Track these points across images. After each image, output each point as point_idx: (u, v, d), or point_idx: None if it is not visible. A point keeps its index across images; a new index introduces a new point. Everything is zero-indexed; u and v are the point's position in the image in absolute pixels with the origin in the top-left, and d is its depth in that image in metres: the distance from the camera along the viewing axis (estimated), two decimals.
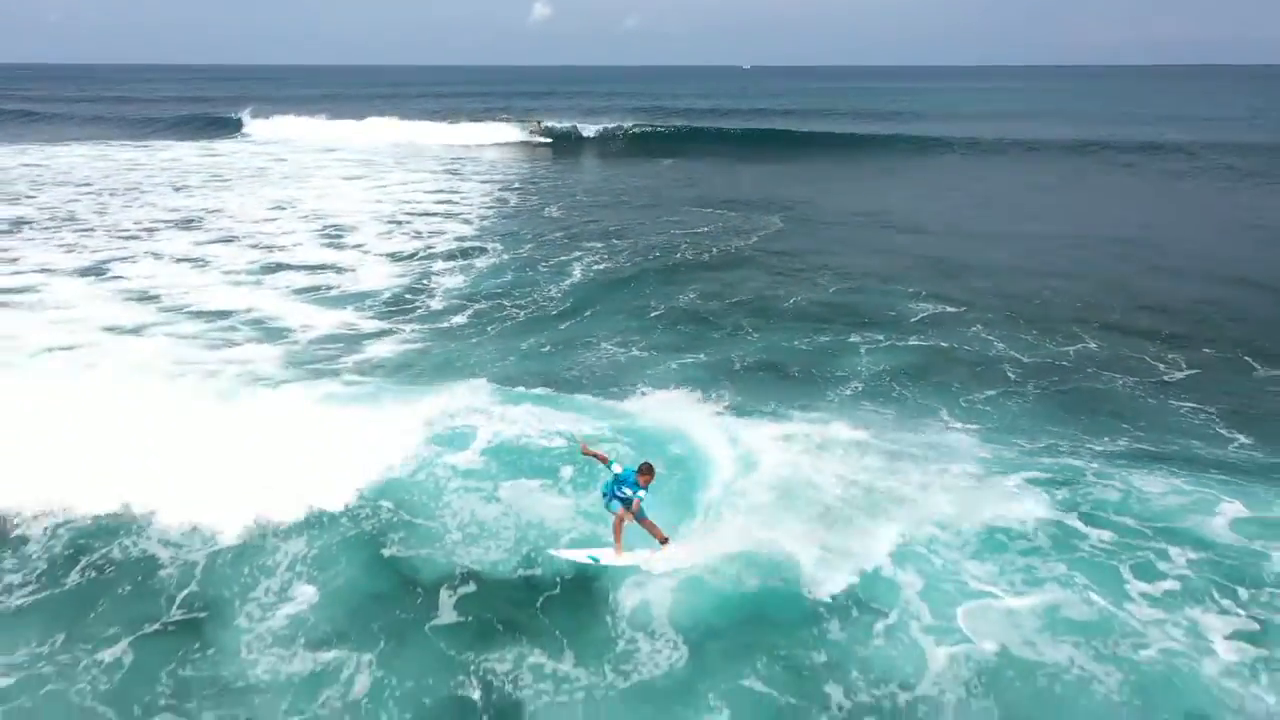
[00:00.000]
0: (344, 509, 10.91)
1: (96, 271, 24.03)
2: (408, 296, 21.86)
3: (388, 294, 22.07)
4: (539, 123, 61.49)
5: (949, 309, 20.14)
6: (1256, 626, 8.67)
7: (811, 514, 10.35)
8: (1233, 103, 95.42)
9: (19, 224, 30.66)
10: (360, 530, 10.62)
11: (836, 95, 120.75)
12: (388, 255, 26.33)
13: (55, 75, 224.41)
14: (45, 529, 10.71)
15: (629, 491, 9.47)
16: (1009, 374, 16.03)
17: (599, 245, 27.57)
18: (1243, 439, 13.17)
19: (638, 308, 20.60)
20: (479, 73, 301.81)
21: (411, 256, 26.18)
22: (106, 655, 8.69)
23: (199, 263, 25.31)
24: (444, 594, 9.53)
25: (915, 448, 12.37)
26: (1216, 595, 9.08)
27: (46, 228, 30.21)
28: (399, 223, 31.62)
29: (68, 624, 9.14)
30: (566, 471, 11.66)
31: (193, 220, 31.91)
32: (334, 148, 59.67)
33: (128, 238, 28.59)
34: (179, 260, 25.54)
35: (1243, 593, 9.13)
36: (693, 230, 30.17)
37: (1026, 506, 10.49)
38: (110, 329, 18.81)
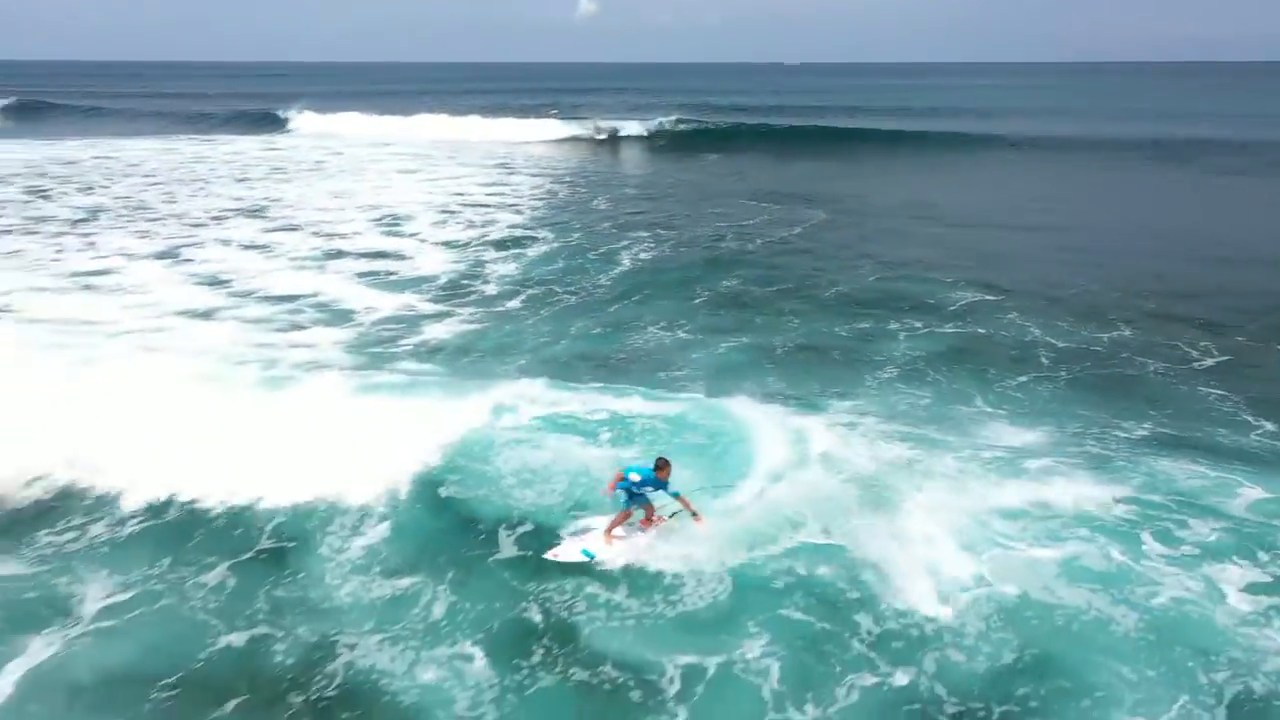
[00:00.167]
0: (410, 464, 11.75)
1: (170, 255, 25.47)
2: (464, 282, 22.83)
3: (444, 279, 23.06)
4: (596, 126, 63.48)
5: (988, 297, 20.59)
6: (1269, 579, 9.15)
7: (850, 487, 10.96)
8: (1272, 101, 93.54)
9: (95, 212, 32.42)
10: (423, 480, 11.50)
11: (876, 92, 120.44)
12: (443, 243, 27.38)
13: (94, 72, 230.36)
14: (145, 478, 11.74)
15: (650, 490, 9.72)
16: (1043, 359, 16.47)
17: (646, 235, 28.39)
18: (1268, 425, 13.44)
19: (684, 294, 21.36)
20: (522, 70, 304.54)
21: (466, 245, 27.22)
22: (209, 578, 9.76)
23: (265, 249, 26.63)
24: (503, 532, 10.45)
25: (950, 428, 13.01)
26: (1234, 556, 9.54)
27: (121, 215, 31.91)
28: (453, 213, 32.77)
29: (172, 550, 10.24)
30: (606, 435, 12.65)
31: (257, 209, 33.40)
32: (386, 142, 61.28)
33: (197, 225, 30.08)
34: (246, 247, 26.87)
35: (1261, 554, 9.57)
36: (738, 222, 30.84)
37: (1054, 483, 10.97)
38: (183, 313, 19.83)
